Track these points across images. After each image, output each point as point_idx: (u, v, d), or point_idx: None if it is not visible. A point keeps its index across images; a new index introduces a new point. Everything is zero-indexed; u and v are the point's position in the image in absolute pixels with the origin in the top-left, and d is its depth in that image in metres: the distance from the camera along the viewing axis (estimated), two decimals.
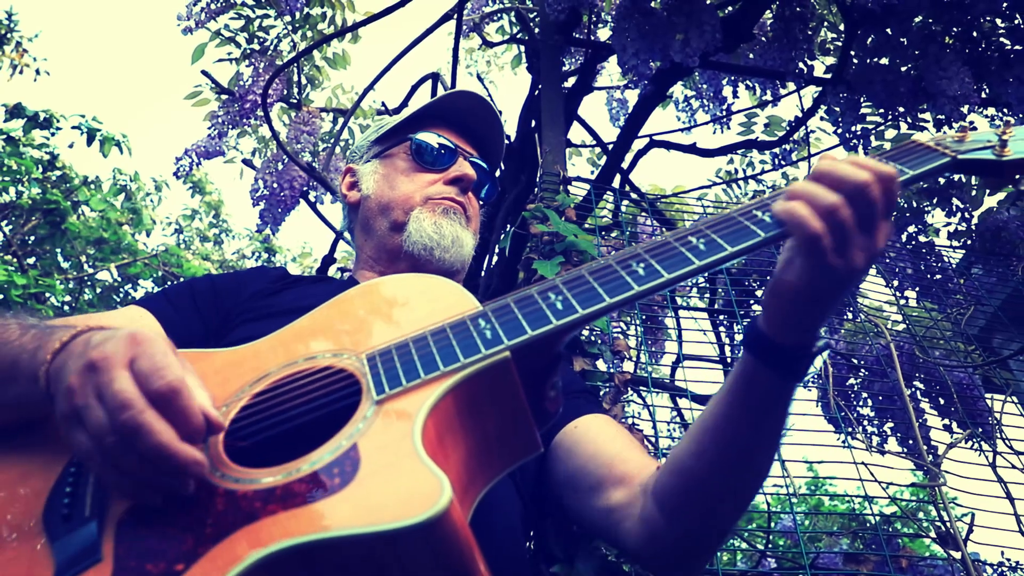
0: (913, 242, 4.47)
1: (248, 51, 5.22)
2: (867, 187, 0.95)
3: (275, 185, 4.95)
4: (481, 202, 1.86)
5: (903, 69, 3.69)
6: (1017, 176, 1.06)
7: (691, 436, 1.18)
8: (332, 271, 5.23)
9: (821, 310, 1.02)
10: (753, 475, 1.19)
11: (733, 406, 1.11)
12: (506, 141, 4.29)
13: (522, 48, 5.59)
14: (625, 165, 4.73)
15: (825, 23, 4.52)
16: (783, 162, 5.04)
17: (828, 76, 4.03)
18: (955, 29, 3.69)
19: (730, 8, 4.13)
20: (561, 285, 1.05)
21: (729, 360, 4.48)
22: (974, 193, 4.44)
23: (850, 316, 4.08)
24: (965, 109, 3.43)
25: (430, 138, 1.74)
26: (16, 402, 1.04)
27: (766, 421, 1.11)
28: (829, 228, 0.95)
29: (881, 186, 0.97)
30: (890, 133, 4.56)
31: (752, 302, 4.45)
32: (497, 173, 1.93)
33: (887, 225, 0.99)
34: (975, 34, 3.68)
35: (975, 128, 1.10)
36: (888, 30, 3.68)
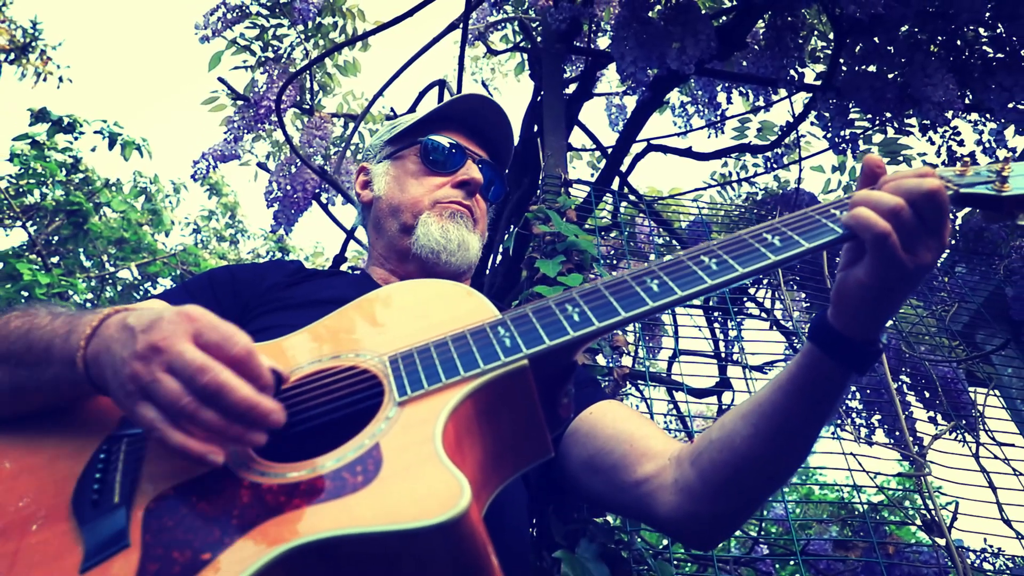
0: None
1: (263, 59, 5.22)
2: (937, 192, 0.98)
3: (288, 187, 4.95)
4: (489, 201, 1.84)
5: (890, 76, 3.68)
6: (1016, 212, 1.06)
7: (745, 418, 1.19)
8: (343, 269, 5.22)
9: (890, 306, 1.04)
10: (800, 456, 1.21)
11: (794, 394, 1.13)
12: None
13: (525, 56, 5.58)
14: (624, 168, 4.72)
15: (815, 32, 4.51)
16: (775, 165, 5.02)
17: (818, 83, 4.02)
18: (940, 38, 3.68)
19: (724, 18, 4.12)
20: (578, 297, 1.05)
21: (723, 355, 4.48)
22: None
23: None
24: (949, 115, 3.43)
25: (439, 141, 1.73)
26: (52, 383, 1.05)
27: (822, 408, 1.14)
28: (895, 227, 0.97)
29: (943, 192, 0.99)
30: (877, 138, 4.55)
31: (745, 299, 4.45)
32: (506, 171, 1.92)
33: (949, 223, 1.02)
34: (959, 43, 3.66)
35: (975, 162, 1.10)
36: (876, 39, 3.67)
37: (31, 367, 1.07)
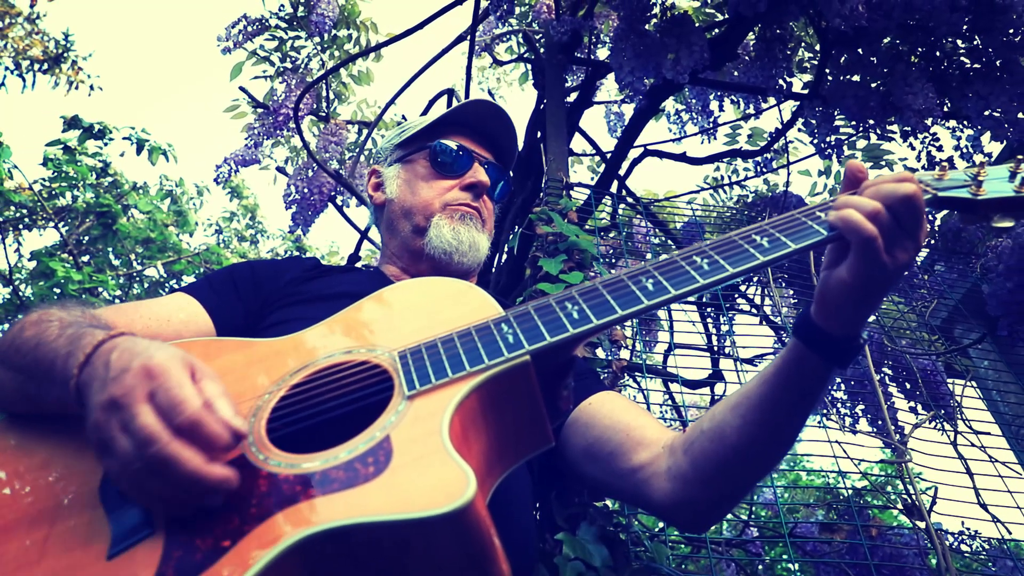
0: None
1: (281, 69, 5.23)
2: (914, 196, 0.98)
3: (306, 190, 4.96)
4: (496, 201, 1.84)
5: (873, 85, 3.66)
6: (991, 214, 1.05)
7: (734, 410, 1.19)
8: (358, 266, 5.22)
9: (870, 304, 1.04)
10: (785, 445, 1.20)
11: (779, 387, 1.12)
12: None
13: (529, 66, 5.57)
14: (622, 172, 4.71)
15: (802, 44, 4.49)
16: (764, 169, 5.00)
17: (805, 91, 4.00)
18: (920, 49, 3.66)
19: (716, 30, 4.11)
20: (577, 296, 1.05)
21: (716, 348, 4.48)
22: None
23: None
24: (929, 122, 3.41)
25: (448, 145, 1.72)
26: (57, 401, 1.03)
27: (806, 401, 1.13)
28: (880, 231, 0.97)
29: (919, 197, 1.00)
30: (861, 143, 4.53)
31: (736, 296, 4.44)
32: (510, 172, 1.91)
33: (925, 225, 1.02)
34: (938, 54, 3.64)
35: (953, 167, 1.09)
36: (859, 50, 3.65)
37: (38, 383, 1.05)
